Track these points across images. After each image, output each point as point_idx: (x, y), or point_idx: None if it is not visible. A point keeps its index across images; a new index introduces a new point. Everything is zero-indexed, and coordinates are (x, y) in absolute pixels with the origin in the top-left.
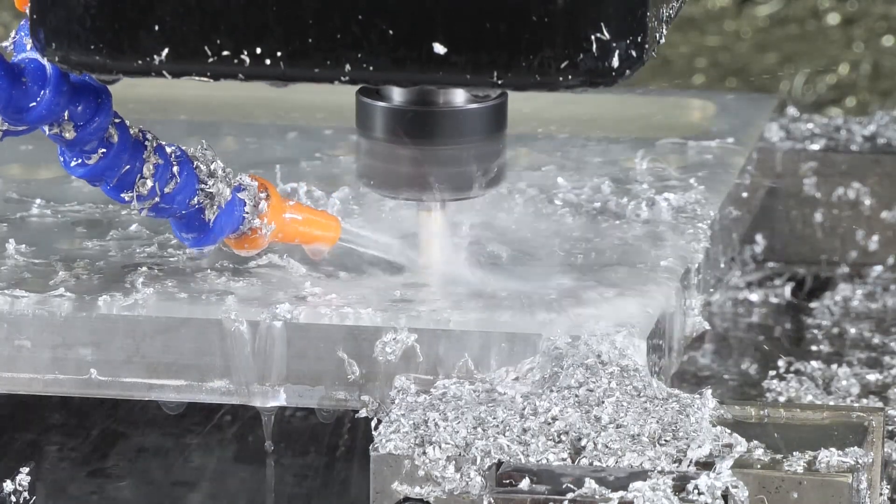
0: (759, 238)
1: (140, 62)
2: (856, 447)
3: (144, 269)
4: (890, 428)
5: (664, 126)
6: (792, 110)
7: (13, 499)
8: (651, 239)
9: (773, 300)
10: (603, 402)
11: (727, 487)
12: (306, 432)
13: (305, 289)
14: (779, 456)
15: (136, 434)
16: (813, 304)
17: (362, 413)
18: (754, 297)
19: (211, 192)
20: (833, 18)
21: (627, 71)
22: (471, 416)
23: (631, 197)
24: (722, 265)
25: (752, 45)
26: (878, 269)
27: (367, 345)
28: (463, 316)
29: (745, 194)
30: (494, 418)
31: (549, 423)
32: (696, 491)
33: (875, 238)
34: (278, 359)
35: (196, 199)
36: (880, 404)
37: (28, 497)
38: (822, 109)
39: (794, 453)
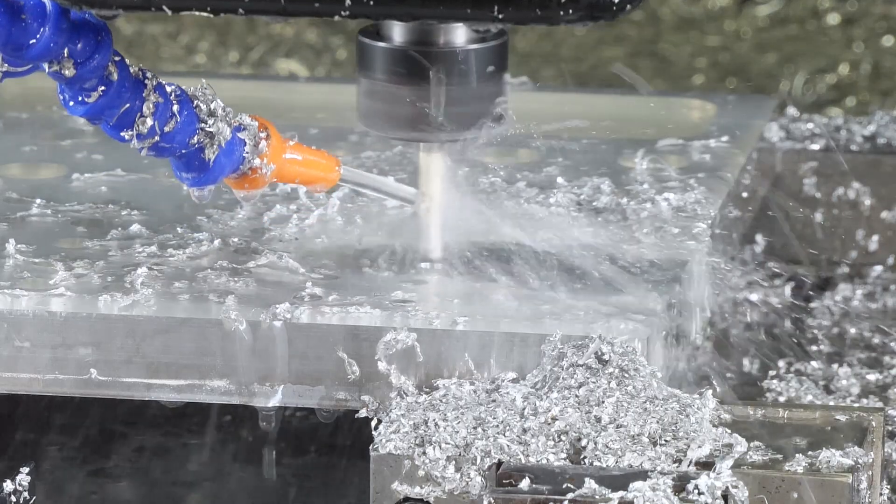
0: (759, 238)
1: None
2: (856, 447)
3: (144, 269)
4: (890, 428)
5: (664, 126)
6: (792, 110)
7: (13, 499)
8: (651, 239)
9: (773, 300)
10: (603, 402)
11: (727, 487)
12: (306, 432)
13: (306, 289)
14: (779, 456)
15: (136, 434)
16: (813, 304)
17: (362, 413)
18: (754, 297)
19: (211, 132)
20: (833, 18)
21: (628, 6)
22: (471, 416)
23: (631, 197)
24: (722, 265)
25: (752, 45)
26: (878, 269)
27: (367, 345)
28: (463, 316)
29: (745, 194)
30: (494, 418)
31: (549, 423)
32: (696, 491)
33: (875, 238)
34: (278, 359)
35: (196, 138)
36: (880, 404)
37: (28, 497)
38: (822, 109)
39: (795, 453)
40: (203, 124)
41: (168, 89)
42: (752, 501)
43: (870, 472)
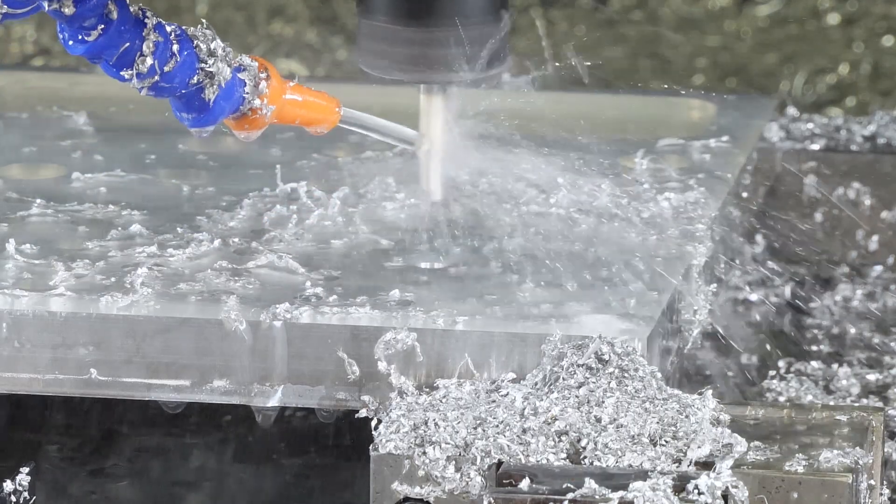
0: (759, 238)
1: None
2: (856, 447)
3: (144, 269)
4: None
5: (664, 126)
6: (792, 110)
7: (13, 499)
8: (651, 239)
9: (773, 300)
10: (603, 402)
11: (727, 487)
12: (306, 432)
13: (306, 289)
14: (779, 456)
15: (136, 434)
16: (813, 304)
17: (362, 413)
18: (754, 297)
19: (211, 72)
20: (833, 18)
21: None
22: (471, 416)
23: (631, 197)
24: (722, 265)
25: (752, 45)
26: (878, 269)
27: (367, 345)
28: (463, 316)
29: (745, 194)
30: (494, 418)
31: (549, 423)
32: (696, 491)
33: (875, 238)
34: (278, 359)
35: (196, 78)
36: (880, 404)
37: (28, 497)
38: (822, 109)
39: (795, 453)
40: (203, 64)
41: (168, 29)
42: (752, 501)
43: (870, 473)
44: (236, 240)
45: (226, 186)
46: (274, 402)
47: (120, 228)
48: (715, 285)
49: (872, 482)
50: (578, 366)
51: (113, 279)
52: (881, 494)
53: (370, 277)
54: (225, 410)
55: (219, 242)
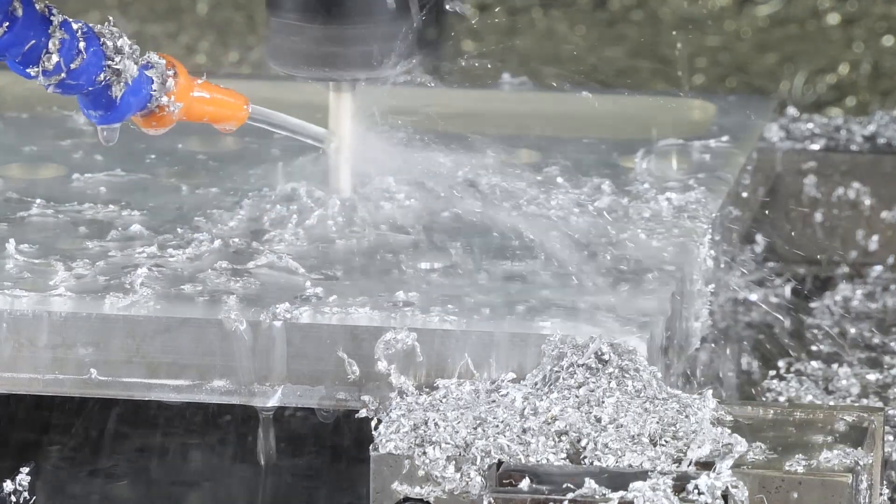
0: (759, 238)
1: None
2: (856, 447)
3: (144, 269)
4: (890, 427)
5: (664, 126)
6: (792, 110)
7: (13, 499)
8: (651, 239)
9: (773, 300)
10: (603, 402)
11: (727, 487)
12: (306, 432)
13: (306, 289)
14: (779, 456)
15: (136, 434)
16: (813, 304)
17: (362, 413)
18: (754, 297)
19: (118, 69)
20: (833, 18)
21: None
22: (471, 416)
23: (631, 197)
24: (722, 265)
25: (752, 45)
26: (878, 269)
27: (367, 345)
28: (463, 316)
29: (745, 194)
30: (494, 418)
31: (549, 423)
32: (696, 491)
33: (875, 238)
34: (278, 359)
35: (103, 75)
36: (880, 404)
37: (28, 497)
38: (822, 109)
39: (795, 453)
40: (110, 62)
41: (74, 26)
42: (752, 501)
43: (870, 473)
44: (236, 240)
45: (226, 186)
46: (274, 402)
47: (120, 228)
48: (714, 286)
49: (872, 482)
50: (578, 366)
51: (113, 279)
52: (881, 494)
53: (370, 277)
54: (225, 410)
55: (219, 243)
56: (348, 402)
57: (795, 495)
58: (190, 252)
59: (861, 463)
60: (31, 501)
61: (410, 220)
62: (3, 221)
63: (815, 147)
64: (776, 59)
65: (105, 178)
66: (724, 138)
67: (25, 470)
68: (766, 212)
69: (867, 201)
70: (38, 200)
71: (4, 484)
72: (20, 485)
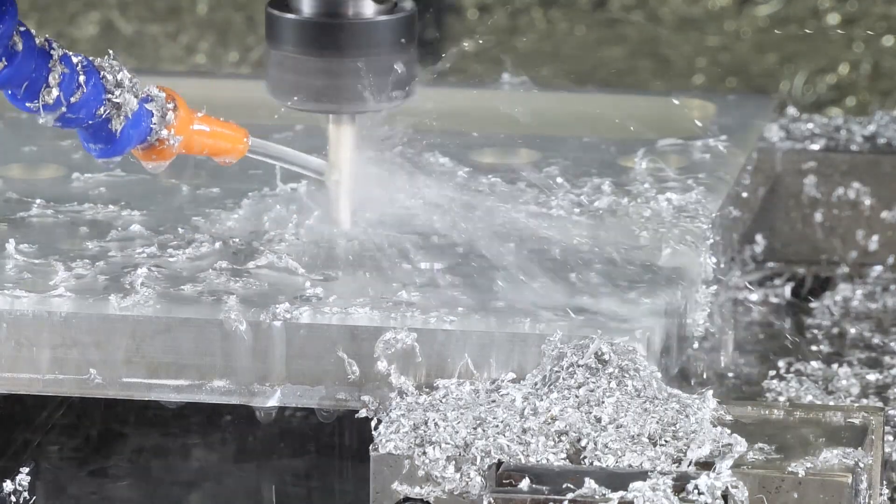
0: (759, 238)
1: None
2: (856, 447)
3: (144, 269)
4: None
5: (664, 126)
6: (792, 110)
7: (13, 499)
8: (651, 239)
9: (773, 300)
10: (603, 402)
11: (727, 487)
12: (306, 432)
13: (306, 289)
14: (779, 456)
15: (136, 434)
16: (813, 304)
17: (362, 413)
18: (754, 297)
19: (118, 103)
20: (833, 18)
21: None
22: (471, 416)
23: (631, 197)
24: (722, 265)
25: (752, 45)
26: (878, 269)
27: (367, 345)
28: (463, 316)
29: (745, 194)
30: (494, 418)
31: (549, 423)
32: (696, 491)
33: (875, 238)
34: (278, 359)
35: (103, 109)
36: (880, 404)
37: (28, 497)
38: (822, 109)
39: (795, 453)
40: (110, 95)
41: (74, 60)
42: (752, 501)
43: (870, 473)
44: (236, 240)
45: (226, 186)
46: (274, 402)
47: (120, 228)
48: (714, 286)
49: (872, 482)
50: (578, 366)
51: (113, 279)
52: (881, 494)
53: (370, 277)
54: (225, 410)
55: (219, 243)
56: (348, 402)
57: (795, 495)
58: (190, 252)
59: (861, 463)
60: (31, 501)
61: (411, 219)
62: (3, 221)
63: (815, 147)
64: (776, 59)
65: (105, 178)
66: (724, 138)
67: (25, 470)
68: (766, 212)
69: (867, 201)
70: (38, 200)
71: (4, 484)
72: (20, 485)
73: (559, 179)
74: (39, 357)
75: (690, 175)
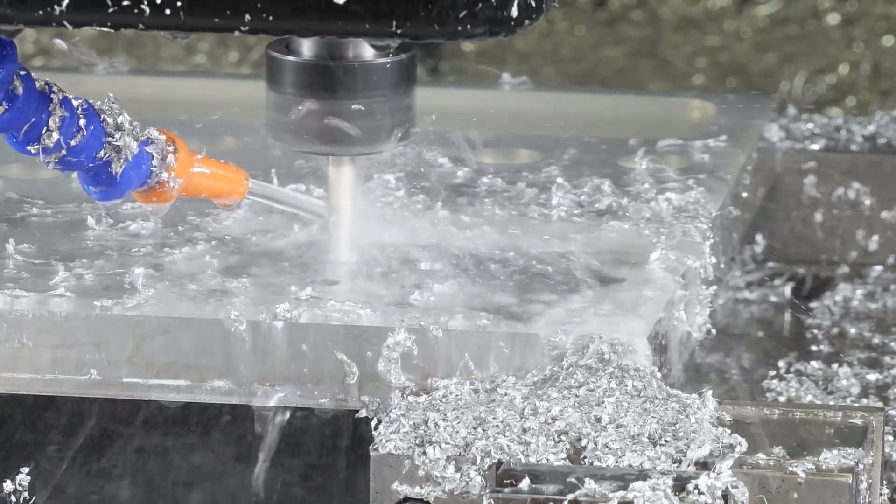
0: (759, 238)
1: (41, 12)
2: (856, 447)
3: (144, 269)
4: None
5: (664, 126)
6: (792, 110)
7: (13, 499)
8: (651, 239)
9: (773, 300)
10: (603, 402)
11: (727, 487)
12: (306, 432)
13: (305, 289)
14: (779, 456)
15: (136, 434)
16: (813, 304)
17: (362, 413)
18: (754, 296)
19: (118, 146)
20: (833, 18)
21: (527, 21)
22: (471, 416)
23: (631, 197)
24: (722, 265)
25: (752, 45)
26: (878, 269)
27: (367, 345)
28: (463, 316)
29: (745, 194)
30: (494, 418)
31: (549, 423)
32: (696, 491)
33: (875, 238)
34: (278, 359)
35: (103, 152)
36: (880, 404)
37: (28, 497)
38: (822, 109)
39: (795, 453)
40: (110, 138)
41: (75, 103)
42: (752, 501)
43: (870, 473)
44: (236, 240)
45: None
46: (274, 402)
47: (120, 228)
48: (714, 286)
49: (872, 482)
50: (578, 366)
51: (113, 279)
52: (881, 494)
53: (370, 278)
54: (225, 410)
55: (218, 243)
56: (348, 402)
57: (795, 495)
58: (190, 252)
59: (861, 463)
60: (31, 501)
61: (411, 219)
62: (3, 221)
63: (815, 147)
64: (776, 59)
65: None
66: (724, 138)
67: (25, 470)
68: (766, 212)
69: (867, 201)
70: (38, 200)
71: (4, 484)
72: (20, 485)
73: (559, 179)
74: (39, 357)
75: (690, 175)
